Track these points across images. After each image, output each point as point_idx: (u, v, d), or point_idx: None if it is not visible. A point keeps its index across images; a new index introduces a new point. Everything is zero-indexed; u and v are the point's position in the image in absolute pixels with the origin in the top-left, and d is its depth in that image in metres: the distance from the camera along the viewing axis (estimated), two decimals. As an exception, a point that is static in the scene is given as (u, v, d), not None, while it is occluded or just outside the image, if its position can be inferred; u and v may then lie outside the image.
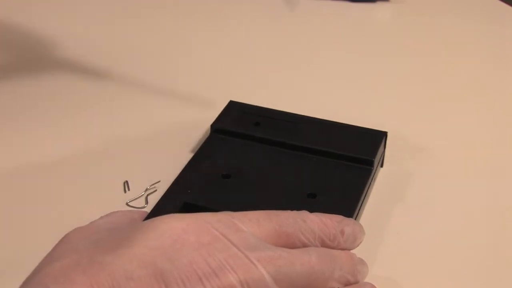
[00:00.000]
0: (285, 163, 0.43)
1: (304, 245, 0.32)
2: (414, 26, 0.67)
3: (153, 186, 0.43)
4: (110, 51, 0.60)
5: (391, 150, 0.47)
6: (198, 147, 0.44)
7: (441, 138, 0.50)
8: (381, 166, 0.46)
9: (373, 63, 0.61)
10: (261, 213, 0.32)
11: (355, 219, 0.39)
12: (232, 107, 0.47)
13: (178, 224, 0.29)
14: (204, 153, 0.43)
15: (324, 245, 0.32)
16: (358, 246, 0.34)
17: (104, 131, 0.50)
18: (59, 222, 0.41)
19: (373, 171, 0.42)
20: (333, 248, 0.33)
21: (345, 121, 0.46)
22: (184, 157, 0.45)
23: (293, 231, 0.31)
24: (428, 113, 0.53)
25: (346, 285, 0.32)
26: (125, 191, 0.44)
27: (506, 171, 0.47)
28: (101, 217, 0.34)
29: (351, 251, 0.34)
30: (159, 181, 0.44)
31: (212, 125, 0.46)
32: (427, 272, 0.38)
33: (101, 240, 0.30)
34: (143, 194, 0.43)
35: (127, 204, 0.42)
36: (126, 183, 0.44)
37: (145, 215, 0.35)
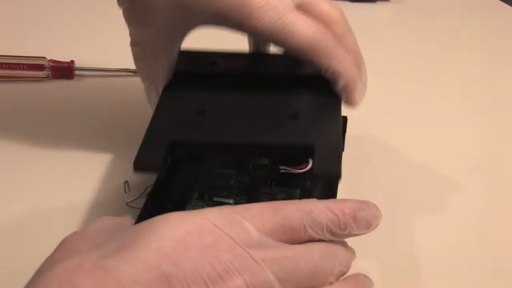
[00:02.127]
0: (256, 92, 0.41)
1: (311, 238, 0.31)
2: (414, 26, 0.67)
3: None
4: (107, 52, 0.60)
5: (388, 149, 0.47)
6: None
7: (440, 138, 0.50)
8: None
9: (372, 63, 0.60)
10: (265, 206, 0.31)
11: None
12: (184, 55, 0.44)
13: (181, 224, 0.29)
14: (170, 96, 0.41)
15: (334, 234, 0.31)
16: (374, 229, 0.32)
17: (104, 131, 0.50)
18: (60, 222, 0.41)
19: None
20: (345, 235, 0.32)
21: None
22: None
23: (298, 224, 0.31)
24: (427, 112, 0.53)
25: (341, 277, 0.32)
26: (125, 191, 0.44)
27: (499, 169, 0.47)
28: (92, 223, 0.33)
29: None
30: (158, 181, 0.44)
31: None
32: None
33: (102, 243, 0.29)
34: (142, 194, 0.43)
35: (127, 204, 0.42)
36: (126, 183, 0.44)
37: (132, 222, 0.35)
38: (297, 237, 0.31)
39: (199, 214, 0.30)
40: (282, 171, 0.43)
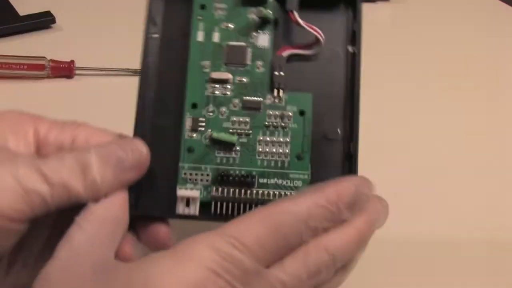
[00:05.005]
0: None
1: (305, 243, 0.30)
2: (414, 26, 0.67)
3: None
4: (107, 52, 0.60)
5: (389, 149, 0.47)
6: None
7: (440, 137, 0.50)
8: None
9: (372, 63, 0.60)
10: (260, 228, 0.29)
11: None
12: None
13: (175, 279, 0.27)
14: None
15: (327, 230, 0.30)
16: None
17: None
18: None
19: None
20: (345, 219, 0.30)
21: None
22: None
23: (296, 238, 0.29)
24: (428, 111, 0.53)
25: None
26: (125, 191, 0.44)
27: (500, 169, 0.47)
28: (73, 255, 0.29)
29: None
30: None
31: None
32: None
33: None
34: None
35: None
36: (126, 183, 0.44)
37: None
38: (292, 248, 0.30)
39: (193, 259, 0.28)
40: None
